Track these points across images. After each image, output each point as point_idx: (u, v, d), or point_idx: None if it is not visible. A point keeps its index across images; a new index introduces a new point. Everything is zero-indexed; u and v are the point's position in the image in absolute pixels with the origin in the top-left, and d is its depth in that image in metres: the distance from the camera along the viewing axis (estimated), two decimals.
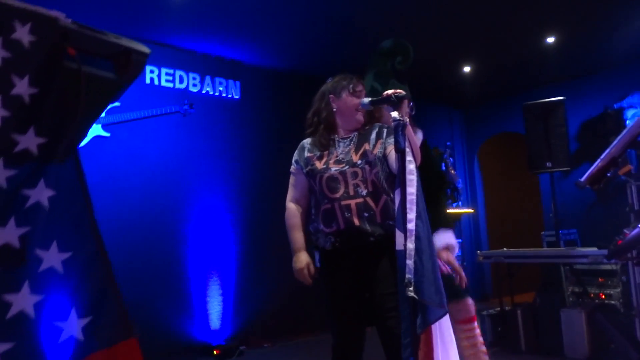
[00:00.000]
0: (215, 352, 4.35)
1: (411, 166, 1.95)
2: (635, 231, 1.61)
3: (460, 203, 6.73)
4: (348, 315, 2.10)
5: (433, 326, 1.88)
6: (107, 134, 4.24)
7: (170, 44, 4.68)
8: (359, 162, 2.10)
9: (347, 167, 2.11)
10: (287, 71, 5.38)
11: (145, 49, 1.18)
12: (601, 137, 5.46)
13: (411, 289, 1.81)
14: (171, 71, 4.68)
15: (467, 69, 5.66)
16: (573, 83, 6.00)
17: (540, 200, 6.56)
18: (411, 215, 1.89)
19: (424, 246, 1.86)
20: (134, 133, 4.38)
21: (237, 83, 5.11)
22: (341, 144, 2.21)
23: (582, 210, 5.95)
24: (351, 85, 2.20)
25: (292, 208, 2.27)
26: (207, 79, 4.91)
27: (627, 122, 5.30)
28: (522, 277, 4.99)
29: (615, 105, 5.45)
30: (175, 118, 4.58)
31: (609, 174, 1.65)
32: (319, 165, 2.17)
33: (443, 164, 6.58)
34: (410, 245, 1.86)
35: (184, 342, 4.40)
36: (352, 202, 2.07)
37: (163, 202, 4.48)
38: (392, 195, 2.08)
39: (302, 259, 2.17)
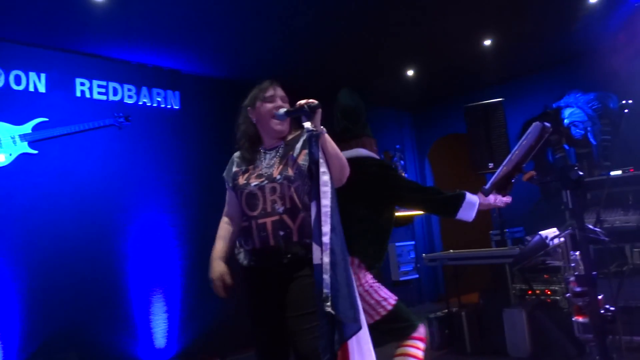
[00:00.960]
0: None
1: (325, 177, 1.90)
2: (535, 239, 1.61)
3: None
4: (266, 335, 2.03)
5: (350, 342, 1.83)
6: (34, 151, 4.03)
7: (101, 55, 4.52)
8: (278, 177, 2.01)
9: (265, 182, 2.02)
10: (228, 79, 5.27)
11: None
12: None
13: (328, 304, 1.76)
14: (104, 83, 4.51)
15: (410, 73, 5.70)
16: (514, 83, 6.13)
17: None
18: (326, 228, 1.84)
19: (338, 259, 1.81)
20: (65, 149, 4.19)
21: (177, 93, 4.97)
22: (267, 156, 2.12)
23: (527, 208, 6.06)
24: (261, 93, 2.12)
25: (223, 220, 2.21)
26: (144, 90, 4.75)
27: (565, 120, 5.44)
28: (475, 276, 5.05)
29: (553, 105, 5.59)
30: (110, 131, 4.42)
31: (513, 180, 1.64)
32: (241, 180, 2.09)
33: None
34: (326, 259, 1.81)
35: None
36: (268, 220, 1.99)
37: (100, 219, 4.30)
38: None
39: (216, 269, 2.07)
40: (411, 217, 6.93)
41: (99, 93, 4.48)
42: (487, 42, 4.99)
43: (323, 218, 1.85)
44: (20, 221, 3.89)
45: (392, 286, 6.61)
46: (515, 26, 4.76)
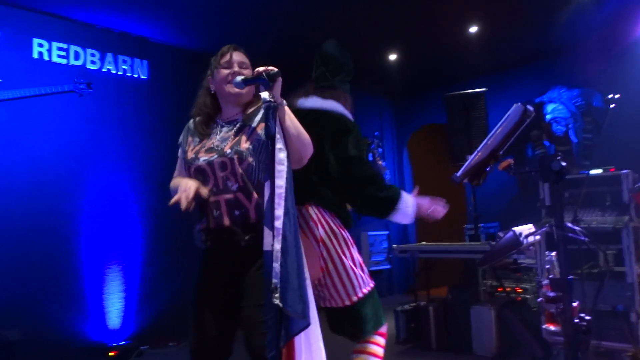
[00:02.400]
0: (111, 353, 3.99)
1: (281, 155, 1.70)
2: (507, 236, 1.45)
3: None
4: (208, 324, 1.83)
5: (297, 338, 1.66)
6: None
7: (63, 15, 4.21)
8: (228, 151, 1.80)
9: (215, 156, 1.81)
10: (201, 51, 4.99)
11: None
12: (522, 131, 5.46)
13: (277, 295, 1.57)
14: (64, 46, 4.21)
15: (393, 57, 5.50)
16: (498, 75, 5.98)
17: (465, 193, 6.56)
18: (279, 211, 1.65)
19: (290, 247, 1.62)
20: (19, 114, 3.90)
21: (145, 62, 4.69)
22: (223, 129, 1.90)
23: (503, 204, 5.97)
24: (218, 59, 1.90)
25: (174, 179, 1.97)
26: (109, 56, 4.46)
27: (547, 116, 5.33)
28: (447, 270, 4.93)
29: (536, 100, 5.46)
30: (70, 98, 4.11)
31: (487, 169, 1.48)
32: (190, 154, 1.88)
33: (370, 155, 6.43)
34: (277, 245, 1.62)
35: (76, 344, 4.01)
36: (222, 199, 1.78)
37: (55, 190, 4.04)
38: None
39: (189, 181, 1.77)
40: None
41: (59, 56, 4.18)
42: (473, 29, 4.82)
43: (277, 200, 1.65)
44: None
45: None
46: (503, 14, 4.59)
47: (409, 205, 2.09)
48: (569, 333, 1.20)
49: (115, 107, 4.48)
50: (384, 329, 2.26)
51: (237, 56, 1.90)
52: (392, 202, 2.11)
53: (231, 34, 4.68)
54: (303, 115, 1.99)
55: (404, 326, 4.11)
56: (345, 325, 2.21)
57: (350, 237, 2.24)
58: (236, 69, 1.87)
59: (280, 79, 1.69)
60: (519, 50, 5.38)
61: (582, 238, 1.35)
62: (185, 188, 1.73)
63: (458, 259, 4.25)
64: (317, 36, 4.83)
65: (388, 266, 6.63)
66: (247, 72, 1.87)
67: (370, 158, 6.42)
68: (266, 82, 1.67)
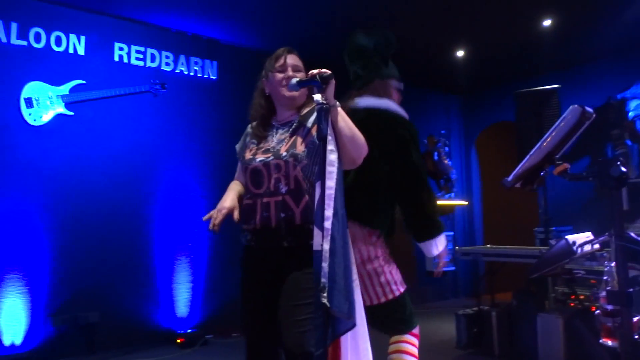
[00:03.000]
0: (178, 340, 4.22)
1: (332, 157, 1.73)
2: (559, 244, 1.37)
3: (453, 195, 6.46)
4: (256, 319, 1.89)
5: (343, 338, 1.68)
6: (70, 113, 4.07)
7: (141, 20, 4.48)
8: (284, 154, 1.85)
9: (271, 158, 1.86)
10: (266, 51, 5.09)
11: None
12: (602, 130, 5.13)
13: (325, 294, 1.60)
14: (142, 49, 4.48)
15: (460, 54, 5.35)
16: (574, 70, 5.64)
17: (537, 195, 6.26)
18: (328, 212, 1.67)
19: (338, 247, 1.64)
20: (100, 112, 4.21)
21: (214, 63, 4.89)
22: (279, 131, 1.96)
23: (578, 207, 5.64)
24: (272, 63, 1.95)
25: (233, 181, 2.06)
26: (182, 58, 4.70)
27: (630, 113, 4.96)
28: (514, 274, 4.73)
29: (618, 96, 5.10)
30: (145, 98, 4.41)
31: (542, 173, 1.41)
32: (248, 155, 1.95)
33: (436, 154, 6.30)
34: (326, 246, 1.65)
35: (148, 329, 4.28)
36: (272, 200, 1.84)
37: (130, 184, 4.32)
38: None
39: (229, 199, 1.87)
40: (452, 207, 6.62)
41: (137, 59, 4.46)
42: (547, 23, 4.58)
43: (327, 201, 1.68)
44: (53, 180, 3.96)
45: (425, 276, 6.38)
46: (580, 6, 4.32)
47: (443, 242, 2.11)
48: (626, 349, 1.13)
49: (186, 106, 4.70)
50: (417, 330, 2.25)
51: (291, 59, 1.94)
52: (439, 230, 2.13)
53: (297, 33, 4.77)
54: (359, 116, 2.02)
55: (464, 331, 4.01)
56: (378, 323, 2.20)
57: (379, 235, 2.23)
58: (290, 73, 1.90)
59: (333, 81, 1.71)
60: (596, 43, 5.04)
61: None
62: (220, 208, 1.82)
63: (523, 263, 4.08)
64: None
65: (453, 268, 6.46)
66: (301, 75, 1.91)
67: (436, 157, 6.29)
68: (319, 84, 1.69)
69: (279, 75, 1.91)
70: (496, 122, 6.77)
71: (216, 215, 1.81)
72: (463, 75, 5.95)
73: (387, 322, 2.20)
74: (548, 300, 4.09)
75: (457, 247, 4.35)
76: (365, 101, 2.24)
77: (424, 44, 5.08)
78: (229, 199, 1.89)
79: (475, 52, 5.31)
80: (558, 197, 5.31)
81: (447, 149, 6.48)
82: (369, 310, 2.19)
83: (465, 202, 6.72)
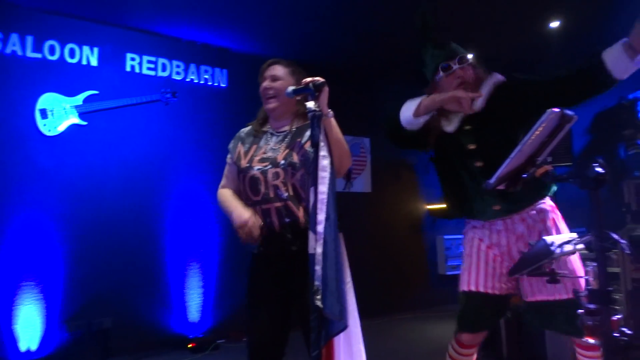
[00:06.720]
0: (190, 345, 4.28)
1: (324, 162, 1.77)
2: (538, 245, 1.39)
3: None
4: (264, 324, 1.94)
5: (337, 339, 1.71)
6: (84, 123, 4.19)
7: (152, 31, 4.59)
8: (282, 162, 1.92)
9: (269, 166, 1.93)
10: (287, 60, 5.19)
11: None
12: (614, 130, 5.07)
13: (319, 297, 1.65)
14: (153, 59, 4.59)
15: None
16: None
17: None
18: (321, 216, 1.72)
19: (330, 251, 1.68)
20: (112, 122, 4.32)
21: (224, 71, 4.97)
22: (274, 138, 2.03)
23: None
24: (261, 72, 2.05)
25: (223, 190, 2.12)
26: (192, 67, 4.79)
27: None
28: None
29: (629, 96, 5.03)
30: (157, 107, 4.50)
31: (525, 175, 1.43)
32: (243, 162, 2.01)
33: None
34: (319, 249, 1.69)
35: (160, 334, 4.35)
36: (272, 206, 1.90)
37: (142, 191, 4.42)
38: None
39: (246, 212, 1.88)
40: None
41: (148, 68, 4.57)
42: (554, 25, 4.56)
43: (319, 205, 1.72)
44: (68, 189, 4.07)
45: (437, 280, 6.36)
46: (587, 7, 4.29)
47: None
48: (607, 347, 1.14)
49: (197, 114, 4.79)
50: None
51: (271, 71, 2.04)
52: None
53: (305, 40, 4.83)
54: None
55: None
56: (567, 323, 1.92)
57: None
58: (266, 84, 1.99)
59: (326, 89, 1.77)
60: (607, 41, 4.98)
61: (626, 251, 1.26)
62: (246, 222, 1.85)
63: None
64: (393, 41, 4.86)
65: None
66: (279, 84, 1.99)
67: None
68: (312, 92, 1.75)
69: (261, 85, 2.01)
70: None
71: (249, 231, 1.85)
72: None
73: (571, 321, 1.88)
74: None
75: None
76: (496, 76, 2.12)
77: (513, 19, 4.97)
78: (244, 212, 1.89)
79: (477, 56, 5.29)
80: (573, 197, 5.25)
81: None
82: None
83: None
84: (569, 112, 1.36)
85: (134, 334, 4.16)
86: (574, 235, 1.40)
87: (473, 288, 2.09)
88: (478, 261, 2.08)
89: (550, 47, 4.96)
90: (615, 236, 1.23)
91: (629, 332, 1.15)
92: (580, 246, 1.35)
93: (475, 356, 2.31)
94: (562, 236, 1.37)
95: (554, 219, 2.01)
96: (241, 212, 1.90)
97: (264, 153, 1.98)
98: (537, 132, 1.33)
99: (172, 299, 4.47)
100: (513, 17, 4.48)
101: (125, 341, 4.11)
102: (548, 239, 1.34)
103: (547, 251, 1.30)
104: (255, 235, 1.87)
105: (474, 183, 2.01)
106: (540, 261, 1.34)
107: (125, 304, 4.18)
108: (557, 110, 1.36)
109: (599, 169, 1.23)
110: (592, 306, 1.20)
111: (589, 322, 1.19)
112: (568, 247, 1.33)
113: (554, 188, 2.03)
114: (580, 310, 1.44)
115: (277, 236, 1.90)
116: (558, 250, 1.30)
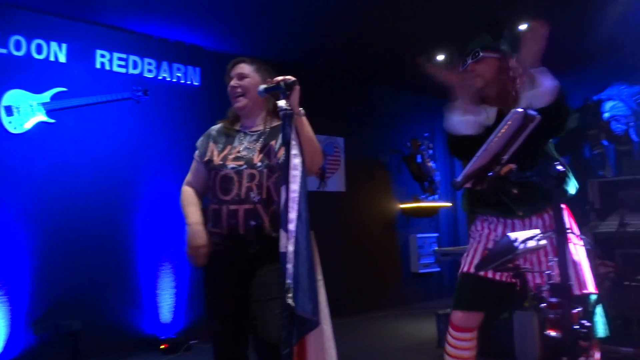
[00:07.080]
0: (162, 346, 4.24)
1: (296, 160, 1.78)
2: (502, 241, 1.43)
3: (437, 196, 6.54)
4: (225, 322, 1.95)
5: (308, 337, 1.72)
6: (52, 120, 4.09)
7: (123, 27, 4.51)
8: (259, 164, 1.93)
9: (245, 166, 1.94)
10: (249, 56, 5.17)
11: None
12: (580, 130, 5.22)
13: (290, 295, 1.66)
14: (124, 56, 4.51)
15: (440, 57, 5.43)
16: (552, 73, 5.74)
17: None
18: (292, 214, 1.73)
19: (301, 249, 1.70)
20: (82, 120, 4.23)
21: (197, 69, 4.93)
22: (247, 138, 2.04)
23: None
24: (227, 71, 2.06)
25: (187, 189, 2.14)
26: (164, 65, 4.74)
27: (605, 114, 5.07)
28: None
29: (594, 97, 5.20)
30: (128, 105, 4.43)
31: (490, 174, 1.47)
32: (217, 160, 2.00)
33: (420, 156, 6.37)
34: (290, 247, 1.70)
35: (131, 335, 4.29)
36: (241, 208, 1.90)
37: (112, 191, 4.34)
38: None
39: (200, 235, 1.93)
40: (436, 209, 6.70)
41: (119, 66, 4.49)
42: (522, 27, 4.66)
43: (290, 204, 1.73)
44: (35, 188, 3.97)
45: (410, 278, 6.44)
46: (555, 10, 4.41)
47: None
48: (567, 339, 1.19)
49: (169, 112, 4.74)
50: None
51: (237, 69, 2.05)
52: None
53: (280, 39, 4.82)
54: None
55: (445, 330, 4.05)
56: None
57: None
58: (233, 82, 2.01)
59: (297, 88, 1.79)
60: (574, 46, 5.14)
61: (587, 247, 1.32)
62: (196, 246, 1.92)
63: None
64: (367, 37, 4.90)
65: (437, 269, 6.54)
66: (246, 82, 2.00)
67: (420, 159, 6.36)
68: (283, 90, 1.76)
69: (228, 86, 2.02)
70: None
71: (197, 255, 1.93)
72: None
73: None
74: (527, 299, 4.15)
75: (436, 249, 4.42)
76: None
77: (406, 47, 5.14)
78: (198, 234, 1.93)
79: (456, 56, 5.38)
80: None
81: (430, 151, 6.56)
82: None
83: (450, 204, 6.79)
84: (532, 112, 1.41)
85: (104, 335, 4.09)
86: (534, 232, 1.44)
87: (471, 270, 2.09)
88: (478, 245, 2.10)
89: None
90: (575, 233, 1.27)
91: (588, 324, 1.20)
92: (543, 242, 1.40)
93: (472, 352, 2.29)
94: (523, 233, 1.42)
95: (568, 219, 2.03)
96: (197, 234, 1.93)
97: (238, 152, 1.98)
98: (502, 132, 1.38)
99: (144, 299, 4.41)
100: (484, 19, 4.56)
101: (95, 343, 4.03)
102: (512, 235, 1.38)
103: (510, 247, 1.35)
104: (200, 263, 1.93)
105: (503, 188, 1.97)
106: (504, 257, 1.38)
107: (96, 306, 4.10)
108: (520, 110, 1.40)
109: (560, 167, 1.28)
110: (553, 300, 1.24)
111: (551, 315, 1.24)
112: (531, 243, 1.38)
113: (572, 192, 2.04)
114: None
115: (239, 238, 1.90)
116: (521, 247, 1.35)
